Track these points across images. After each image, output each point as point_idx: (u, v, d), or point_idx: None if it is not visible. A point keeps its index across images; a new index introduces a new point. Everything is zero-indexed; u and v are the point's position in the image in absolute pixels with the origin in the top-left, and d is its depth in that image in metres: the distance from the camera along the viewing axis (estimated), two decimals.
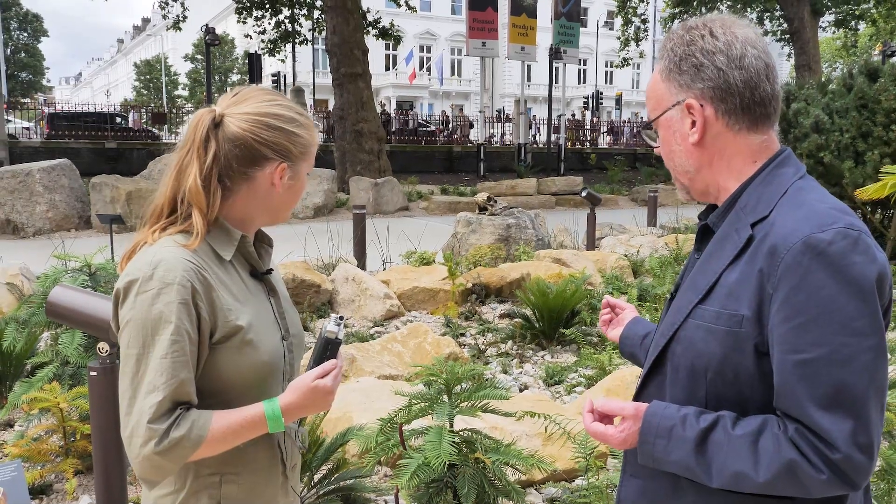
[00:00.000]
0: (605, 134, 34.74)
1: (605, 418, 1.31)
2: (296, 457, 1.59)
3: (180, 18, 24.67)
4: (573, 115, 36.29)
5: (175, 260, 1.35)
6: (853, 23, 29.06)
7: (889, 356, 3.78)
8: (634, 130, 35.21)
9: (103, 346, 2.87)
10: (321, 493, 3.20)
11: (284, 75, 33.64)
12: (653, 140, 1.38)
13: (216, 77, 50.98)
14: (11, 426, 4.12)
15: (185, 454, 1.32)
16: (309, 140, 1.49)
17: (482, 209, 9.92)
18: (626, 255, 8.81)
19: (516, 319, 6.30)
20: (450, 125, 32.26)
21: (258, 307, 1.47)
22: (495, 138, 30.81)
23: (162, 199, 1.44)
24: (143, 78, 64.39)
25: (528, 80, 40.90)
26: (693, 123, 1.27)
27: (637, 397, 1.35)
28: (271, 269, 1.55)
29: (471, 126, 31.56)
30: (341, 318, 1.47)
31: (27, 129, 27.90)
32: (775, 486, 1.13)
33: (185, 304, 1.32)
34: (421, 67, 52.53)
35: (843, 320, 1.09)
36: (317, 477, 3.23)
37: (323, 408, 1.43)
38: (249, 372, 1.41)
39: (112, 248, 8.05)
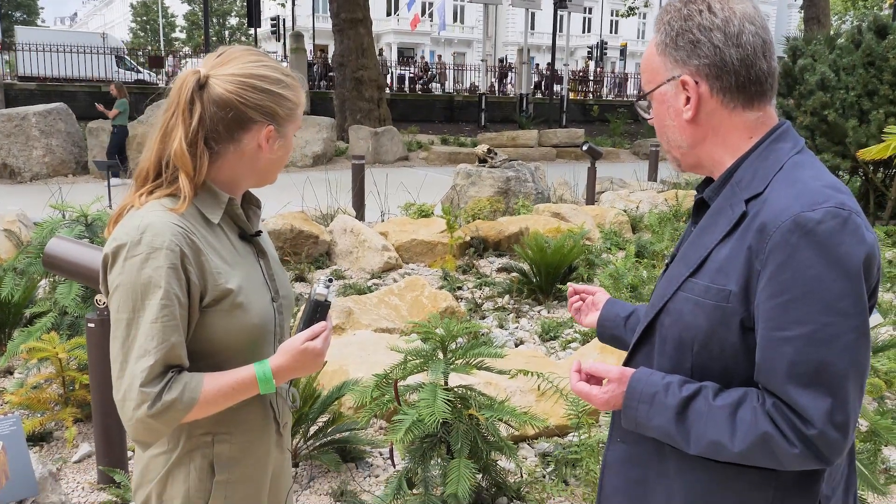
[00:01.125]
0: (576, 82, 33.72)
1: (593, 379, 1.34)
2: (287, 416, 1.61)
3: None
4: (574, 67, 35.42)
5: (163, 224, 1.34)
6: None
7: (882, 319, 3.77)
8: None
9: (100, 298, 2.88)
10: (317, 444, 3.26)
11: (283, 19, 33.02)
12: (645, 112, 1.36)
13: (214, 20, 50.07)
14: (11, 373, 4.17)
15: (178, 416, 1.33)
16: (296, 101, 1.47)
17: (482, 161, 9.86)
18: (625, 211, 8.80)
19: (514, 274, 6.32)
20: (428, 72, 31.17)
21: (248, 269, 1.47)
22: (496, 88, 30.31)
23: (147, 163, 1.42)
24: (139, 19, 63.16)
25: (532, 28, 40.23)
26: (687, 100, 1.25)
27: (625, 365, 1.37)
28: (260, 231, 1.55)
29: (435, 75, 30.50)
30: (330, 280, 1.48)
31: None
32: (750, 456, 1.16)
33: (174, 268, 1.32)
34: (423, 13, 51.54)
35: (828, 300, 1.10)
36: (313, 429, 3.29)
37: (313, 369, 1.44)
38: (240, 334, 1.42)
39: (109, 196, 8.03)
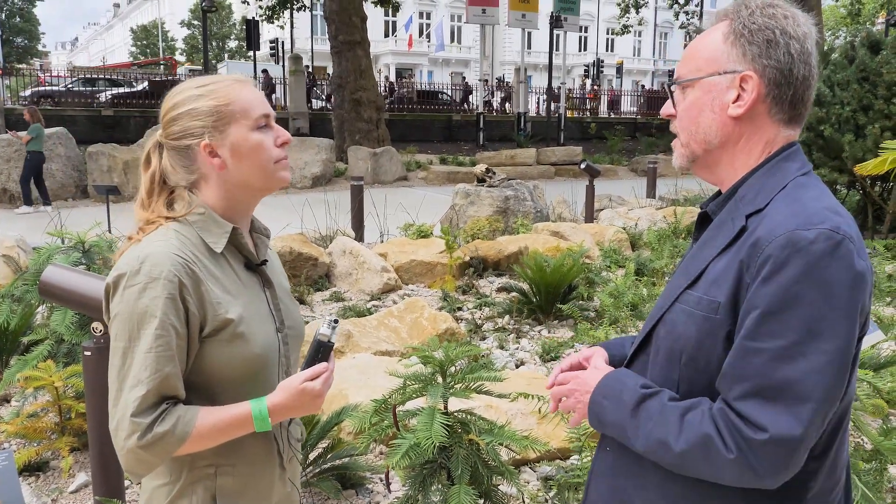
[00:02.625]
0: (578, 100, 33.76)
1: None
2: (292, 451, 1.59)
3: None
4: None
5: (163, 255, 1.34)
6: None
7: (884, 335, 3.67)
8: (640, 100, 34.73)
9: (97, 326, 2.86)
10: (317, 471, 3.23)
11: (282, 42, 33.23)
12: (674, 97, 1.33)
13: (213, 43, 50.42)
14: (8, 401, 4.14)
15: (170, 449, 1.32)
16: (215, 103, 1.42)
17: (480, 180, 9.87)
18: (624, 228, 8.79)
19: (513, 294, 6.30)
20: (395, 93, 30.55)
21: (251, 299, 1.46)
22: (492, 106, 30.33)
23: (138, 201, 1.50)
24: (139, 43, 63.64)
25: (529, 47, 40.46)
26: (738, 97, 1.24)
27: None
28: (266, 260, 1.54)
29: (389, 92, 30.18)
30: (335, 320, 1.47)
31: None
32: (688, 458, 1.15)
33: (172, 298, 1.32)
34: (421, 34, 51.90)
35: (804, 319, 1.09)
36: (312, 455, 3.25)
37: (311, 410, 1.42)
38: (242, 364, 1.41)
39: (108, 220, 8.03)
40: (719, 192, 1.33)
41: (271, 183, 1.46)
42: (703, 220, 1.34)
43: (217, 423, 1.35)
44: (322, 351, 1.44)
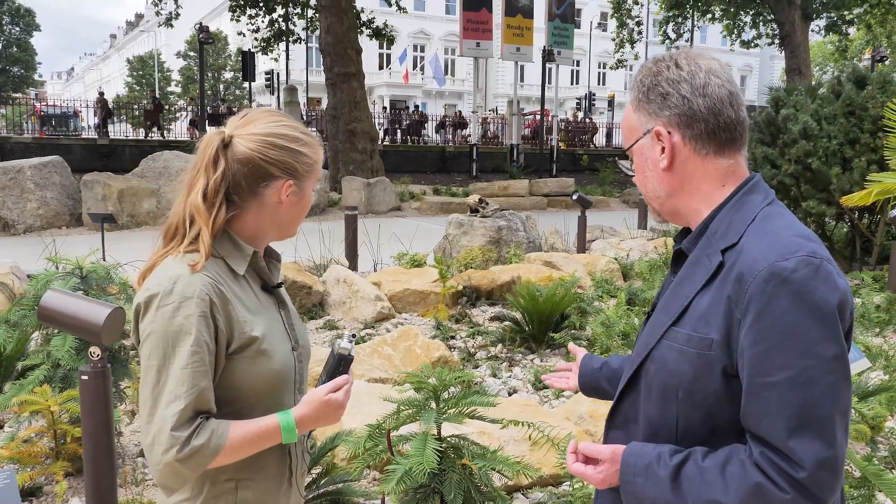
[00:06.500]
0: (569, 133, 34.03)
1: (589, 458, 1.37)
2: (304, 464, 1.66)
3: (173, 15, 24.58)
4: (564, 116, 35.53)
5: (194, 275, 1.42)
6: (843, 28, 29.21)
7: (871, 364, 3.75)
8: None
9: (94, 351, 2.89)
10: (311, 496, 3.24)
11: (278, 73, 33.53)
12: (629, 170, 1.44)
13: (209, 74, 50.83)
14: (1, 427, 4.14)
15: (204, 462, 1.39)
16: (314, 158, 1.57)
17: (473, 211, 9.96)
18: (616, 259, 8.87)
19: (506, 323, 6.34)
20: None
21: (270, 319, 1.54)
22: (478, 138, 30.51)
23: (176, 219, 1.51)
24: (135, 74, 64.04)
25: (522, 80, 40.93)
26: (663, 149, 1.33)
27: (613, 411, 1.42)
28: (281, 283, 1.63)
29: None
30: (353, 335, 1.57)
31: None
32: None
33: (204, 316, 1.39)
34: (414, 67, 52.48)
35: (805, 344, 1.14)
36: (306, 481, 3.27)
37: (333, 421, 1.50)
38: (264, 380, 1.49)
39: (103, 248, 8.05)
40: (689, 228, 1.39)
41: (291, 234, 1.61)
42: (679, 256, 1.39)
43: (247, 434, 1.42)
44: (343, 364, 1.52)
